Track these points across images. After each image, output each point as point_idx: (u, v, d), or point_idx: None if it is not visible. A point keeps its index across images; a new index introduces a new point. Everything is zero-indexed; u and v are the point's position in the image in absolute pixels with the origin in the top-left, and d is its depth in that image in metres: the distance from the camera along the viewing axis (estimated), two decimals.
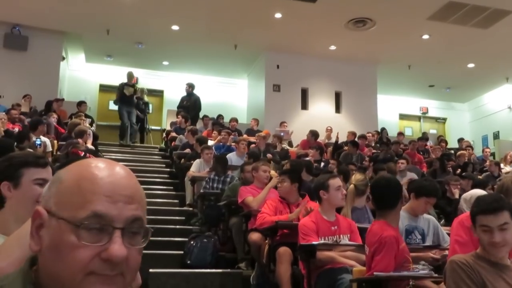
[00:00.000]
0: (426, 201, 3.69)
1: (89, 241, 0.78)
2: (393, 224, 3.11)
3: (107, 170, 0.84)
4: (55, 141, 8.35)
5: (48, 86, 11.72)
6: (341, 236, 3.72)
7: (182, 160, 8.84)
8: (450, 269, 2.10)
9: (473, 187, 6.55)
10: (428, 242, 3.76)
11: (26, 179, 1.72)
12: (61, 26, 11.78)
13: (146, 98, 13.11)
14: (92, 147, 8.69)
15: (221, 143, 9.51)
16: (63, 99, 11.72)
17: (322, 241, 3.66)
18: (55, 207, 0.81)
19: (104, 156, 9.65)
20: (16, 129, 8.36)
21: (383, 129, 13.31)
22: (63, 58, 12.79)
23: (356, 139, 10.83)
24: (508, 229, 2.02)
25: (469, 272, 2.03)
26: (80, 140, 7.28)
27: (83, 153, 3.86)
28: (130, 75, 12.14)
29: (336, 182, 3.87)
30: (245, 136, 9.05)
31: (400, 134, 13.19)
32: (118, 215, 0.80)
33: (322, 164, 8.62)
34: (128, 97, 11.74)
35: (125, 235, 0.80)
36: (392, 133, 13.81)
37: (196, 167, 7.65)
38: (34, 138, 7.40)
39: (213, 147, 8.51)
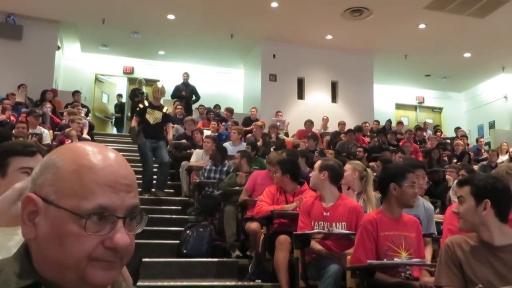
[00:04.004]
0: (414, 177, 3.31)
1: (93, 231, 0.78)
2: (387, 213, 3.11)
3: (105, 158, 0.83)
4: (51, 131, 8.34)
5: (43, 75, 11.65)
6: (334, 223, 3.71)
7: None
8: (441, 249, 2.20)
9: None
10: (424, 230, 3.73)
11: (13, 168, 1.69)
12: (56, 15, 11.70)
13: (144, 89, 13.12)
14: (88, 137, 8.71)
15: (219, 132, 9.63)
16: (56, 90, 11.67)
17: (316, 230, 3.68)
18: (55, 196, 0.80)
19: None
20: (12, 119, 8.35)
21: (388, 121, 13.40)
22: (58, 48, 12.72)
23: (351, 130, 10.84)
24: (462, 202, 2.16)
25: (451, 254, 2.10)
26: (73, 132, 7.26)
27: (69, 140, 3.83)
28: (158, 90, 7.70)
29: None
30: (235, 126, 9.11)
31: (400, 123, 13.26)
32: (120, 205, 0.81)
33: (316, 153, 8.65)
34: (154, 126, 7.43)
35: (125, 223, 0.82)
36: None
37: (196, 157, 7.69)
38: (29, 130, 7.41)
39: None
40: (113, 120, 14.84)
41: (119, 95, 14.70)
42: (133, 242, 0.83)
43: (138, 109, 7.60)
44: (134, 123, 7.45)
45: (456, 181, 5.19)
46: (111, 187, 0.80)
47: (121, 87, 15.00)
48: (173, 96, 12.29)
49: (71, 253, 0.78)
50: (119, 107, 14.57)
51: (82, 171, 0.80)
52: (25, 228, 0.82)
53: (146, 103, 7.63)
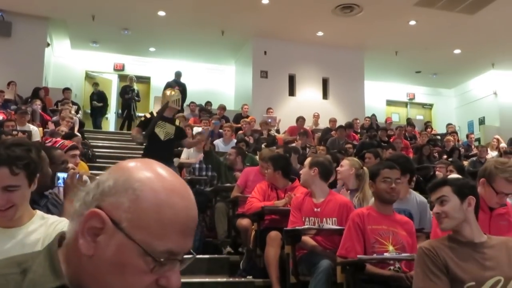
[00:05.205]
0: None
1: (156, 270, 0.79)
2: (376, 209, 3.14)
3: (183, 196, 0.82)
4: (40, 128, 8.29)
5: (33, 73, 11.57)
6: (325, 219, 3.72)
7: None
8: (417, 255, 2.18)
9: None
10: (416, 225, 3.70)
11: None
12: (45, 11, 11.60)
13: (135, 86, 13.07)
14: (79, 134, 8.65)
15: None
16: (47, 88, 11.60)
17: (307, 226, 3.68)
18: (127, 223, 0.77)
19: (90, 143, 9.61)
20: (1, 117, 8.29)
21: (373, 115, 13.41)
22: (48, 45, 12.62)
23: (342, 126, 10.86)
24: (446, 201, 2.19)
25: (433, 258, 2.10)
26: (63, 128, 7.21)
27: (56, 144, 3.75)
28: (177, 100, 6.08)
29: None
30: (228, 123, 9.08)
31: (390, 122, 13.29)
32: (184, 250, 0.82)
33: (308, 150, 8.66)
34: (164, 143, 5.91)
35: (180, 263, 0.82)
36: (379, 119, 13.91)
37: (186, 154, 7.67)
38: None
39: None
40: (90, 111, 13.46)
41: (95, 84, 13.57)
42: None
43: (143, 119, 6.03)
44: (135, 132, 6.04)
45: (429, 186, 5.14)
46: (183, 232, 0.80)
47: (113, 84, 14.88)
48: None
49: (128, 284, 0.78)
50: (98, 95, 13.22)
51: (163, 207, 0.78)
52: (84, 243, 0.79)
53: (155, 113, 6.05)
